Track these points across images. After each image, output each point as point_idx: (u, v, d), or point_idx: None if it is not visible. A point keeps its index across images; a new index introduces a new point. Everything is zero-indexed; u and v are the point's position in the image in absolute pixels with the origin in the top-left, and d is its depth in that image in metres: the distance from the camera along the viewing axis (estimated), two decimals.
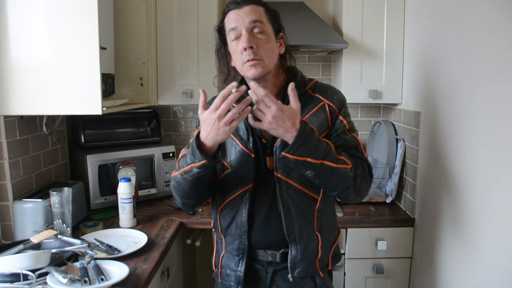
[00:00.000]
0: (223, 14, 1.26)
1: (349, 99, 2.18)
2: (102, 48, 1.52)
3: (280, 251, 1.29)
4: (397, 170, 2.13)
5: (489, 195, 1.38)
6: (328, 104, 1.27)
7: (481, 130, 1.42)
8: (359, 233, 1.98)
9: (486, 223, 1.40)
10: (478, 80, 1.44)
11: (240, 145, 1.26)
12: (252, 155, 1.25)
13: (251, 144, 1.25)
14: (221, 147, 1.15)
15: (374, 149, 2.41)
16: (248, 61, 1.18)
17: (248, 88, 1.12)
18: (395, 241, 1.99)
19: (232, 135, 1.26)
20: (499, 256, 1.33)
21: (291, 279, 1.29)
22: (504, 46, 1.31)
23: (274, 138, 1.22)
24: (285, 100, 1.22)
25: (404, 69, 2.15)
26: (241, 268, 1.30)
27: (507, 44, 1.29)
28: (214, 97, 1.13)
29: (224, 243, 1.35)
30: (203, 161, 1.10)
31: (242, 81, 1.32)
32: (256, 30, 1.19)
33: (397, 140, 2.19)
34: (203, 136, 1.10)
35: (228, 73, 1.30)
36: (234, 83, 1.07)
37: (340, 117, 1.28)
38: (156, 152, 2.19)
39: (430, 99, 1.83)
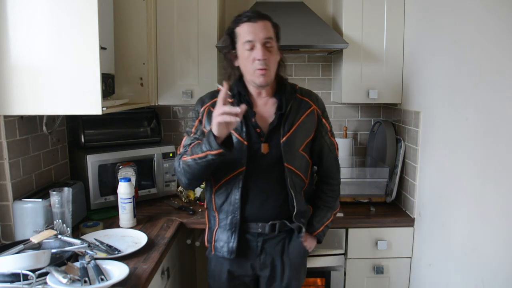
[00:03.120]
0: (235, 23, 1.44)
1: (349, 99, 2.21)
2: (102, 48, 1.52)
3: (269, 223, 1.50)
4: (397, 170, 2.13)
5: (489, 195, 1.39)
6: (315, 109, 1.56)
7: (481, 130, 1.42)
8: (359, 233, 1.98)
9: (485, 223, 1.40)
10: (478, 80, 1.44)
11: (235, 133, 1.46)
12: (245, 142, 1.46)
13: (244, 134, 1.46)
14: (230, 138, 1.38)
15: (374, 149, 2.41)
16: (259, 69, 1.41)
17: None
18: (395, 241, 1.99)
19: None
20: (499, 256, 1.33)
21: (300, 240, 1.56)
22: (503, 47, 1.31)
23: (272, 127, 1.48)
24: (282, 99, 1.50)
25: (404, 69, 2.15)
26: (234, 240, 1.49)
27: (506, 44, 1.29)
28: (212, 93, 1.54)
29: (217, 219, 1.53)
30: (219, 150, 1.30)
31: (240, 80, 1.52)
32: (268, 45, 1.42)
33: (397, 140, 2.19)
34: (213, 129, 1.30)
35: (231, 72, 1.51)
36: (224, 88, 1.30)
37: (323, 120, 1.58)
38: (156, 152, 2.19)
39: (430, 99, 1.83)
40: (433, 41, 1.80)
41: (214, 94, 1.54)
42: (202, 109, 1.53)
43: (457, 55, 1.59)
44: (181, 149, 1.52)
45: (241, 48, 1.43)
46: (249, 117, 1.48)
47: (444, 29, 1.71)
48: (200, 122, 1.52)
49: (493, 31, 1.37)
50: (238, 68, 1.49)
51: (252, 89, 1.51)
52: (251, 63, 1.42)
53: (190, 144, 1.48)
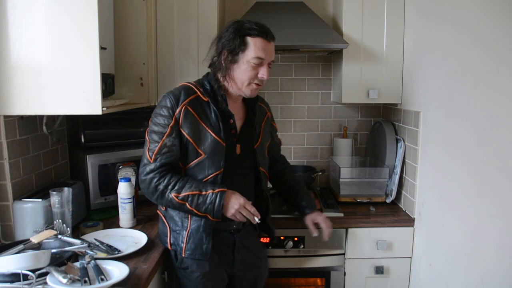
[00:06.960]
0: (249, 31, 1.43)
1: (349, 99, 2.22)
2: (102, 48, 1.52)
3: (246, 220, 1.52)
4: (397, 170, 2.13)
5: (489, 195, 1.39)
6: (269, 114, 1.74)
7: (481, 130, 1.42)
8: (359, 233, 1.98)
9: (485, 223, 1.40)
10: (478, 80, 1.44)
11: (213, 134, 1.47)
12: (224, 144, 1.48)
13: (222, 134, 1.48)
14: (195, 137, 1.45)
15: (374, 149, 2.41)
16: (257, 85, 1.49)
17: None
18: (395, 241, 1.99)
19: (205, 126, 1.47)
20: (499, 256, 1.33)
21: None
22: (503, 46, 1.31)
23: (242, 129, 1.57)
24: (250, 104, 1.60)
25: (404, 69, 2.15)
26: (208, 241, 1.50)
27: (506, 44, 1.29)
28: (185, 89, 1.50)
29: (189, 221, 1.51)
30: (219, 220, 1.44)
31: (214, 77, 1.53)
32: (270, 66, 1.49)
33: (397, 140, 2.19)
34: (226, 208, 1.43)
35: (218, 67, 1.50)
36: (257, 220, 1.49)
37: (273, 123, 1.81)
38: None
39: (430, 99, 1.83)
40: (433, 41, 1.80)
41: (188, 90, 1.50)
42: (179, 108, 1.45)
43: (457, 55, 1.59)
44: (152, 157, 1.46)
45: (246, 59, 1.44)
46: (226, 117, 1.51)
47: (444, 29, 1.71)
48: (176, 122, 1.45)
49: (493, 31, 1.37)
50: (225, 67, 1.47)
51: (230, 93, 1.53)
52: (251, 77, 1.46)
53: (160, 154, 1.44)
